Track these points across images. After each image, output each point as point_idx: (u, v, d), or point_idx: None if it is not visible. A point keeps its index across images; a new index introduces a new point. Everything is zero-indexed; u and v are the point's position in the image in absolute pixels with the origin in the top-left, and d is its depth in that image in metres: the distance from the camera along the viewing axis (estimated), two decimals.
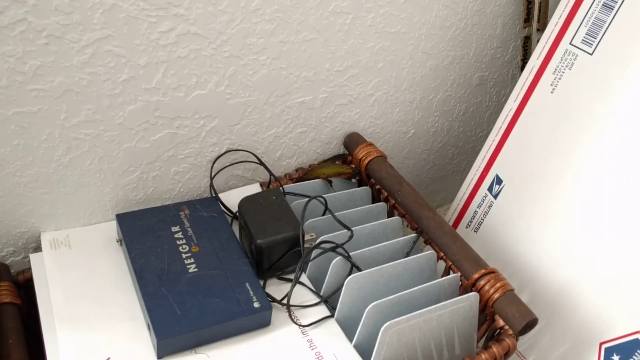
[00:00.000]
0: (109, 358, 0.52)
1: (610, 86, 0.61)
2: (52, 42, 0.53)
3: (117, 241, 0.63)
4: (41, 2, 0.51)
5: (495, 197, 0.70)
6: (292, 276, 0.62)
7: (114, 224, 0.64)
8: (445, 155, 0.93)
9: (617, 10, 0.62)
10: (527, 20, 0.81)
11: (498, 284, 0.58)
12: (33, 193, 0.61)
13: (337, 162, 0.77)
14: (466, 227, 0.75)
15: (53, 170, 0.60)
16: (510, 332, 0.56)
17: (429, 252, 0.62)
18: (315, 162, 0.78)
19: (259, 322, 0.56)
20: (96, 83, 0.58)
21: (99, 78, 0.58)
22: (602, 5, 0.63)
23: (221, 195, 0.70)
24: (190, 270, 0.58)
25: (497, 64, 0.86)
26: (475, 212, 0.73)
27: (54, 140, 0.59)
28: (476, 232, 0.73)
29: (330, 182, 0.73)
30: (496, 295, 0.57)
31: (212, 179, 0.69)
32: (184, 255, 0.59)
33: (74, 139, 0.60)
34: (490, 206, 0.71)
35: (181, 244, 0.60)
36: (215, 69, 0.63)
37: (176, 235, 0.61)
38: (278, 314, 0.58)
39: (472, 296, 0.57)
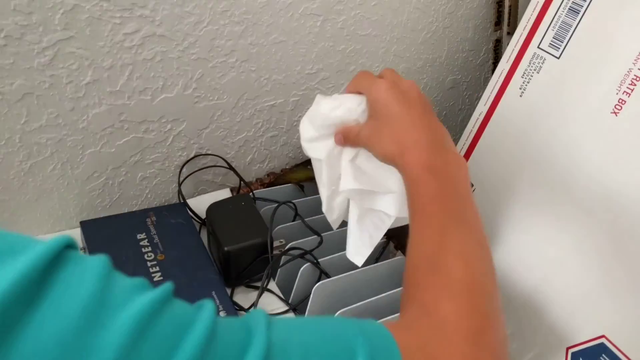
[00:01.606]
0: None
1: (576, 90, 0.61)
2: (11, 43, 0.52)
3: (81, 249, 0.61)
4: None
5: None
6: (260, 284, 0.61)
7: (78, 232, 0.63)
8: None
9: (583, 15, 0.62)
10: (498, 23, 0.81)
11: None
12: None
13: (309, 167, 0.76)
14: None
15: (13, 177, 0.59)
16: None
17: (398, 258, 0.61)
18: (287, 167, 0.77)
19: None
20: (58, 86, 0.56)
21: (61, 81, 0.56)
22: (569, 9, 0.63)
23: (190, 201, 0.68)
24: (155, 279, 0.56)
25: (469, 67, 0.86)
26: None
27: (14, 145, 0.57)
28: None
29: (302, 186, 0.73)
30: None
31: (180, 184, 0.67)
32: (149, 264, 0.58)
33: (35, 144, 0.58)
34: None
35: (147, 252, 0.59)
36: (182, 72, 0.62)
37: (142, 243, 0.60)
38: None
39: None
